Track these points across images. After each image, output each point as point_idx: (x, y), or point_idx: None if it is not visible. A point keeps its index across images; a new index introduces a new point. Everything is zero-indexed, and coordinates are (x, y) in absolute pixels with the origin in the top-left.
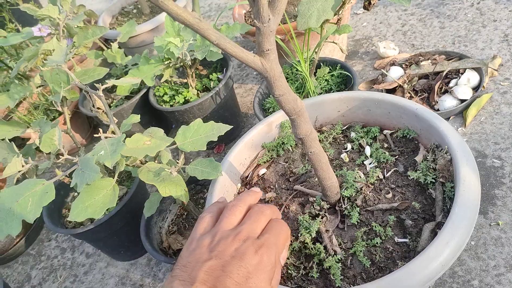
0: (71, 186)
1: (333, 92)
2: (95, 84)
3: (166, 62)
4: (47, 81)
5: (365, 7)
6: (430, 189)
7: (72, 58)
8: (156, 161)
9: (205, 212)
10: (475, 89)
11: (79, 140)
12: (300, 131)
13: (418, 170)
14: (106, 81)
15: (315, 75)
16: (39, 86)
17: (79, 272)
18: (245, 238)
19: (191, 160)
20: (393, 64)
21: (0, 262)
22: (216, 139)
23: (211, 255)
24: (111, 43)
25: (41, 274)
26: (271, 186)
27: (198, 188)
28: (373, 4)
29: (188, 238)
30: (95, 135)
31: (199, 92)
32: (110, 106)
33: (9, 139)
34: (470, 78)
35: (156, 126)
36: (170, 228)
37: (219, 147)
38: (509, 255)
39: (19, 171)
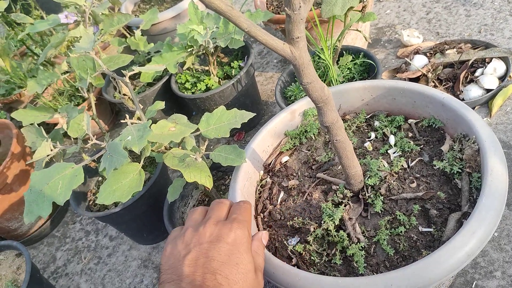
0: (99, 170)
1: (356, 80)
2: (121, 71)
3: (189, 50)
4: (74, 67)
5: None
6: (456, 179)
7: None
8: (180, 147)
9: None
10: (502, 78)
11: (102, 126)
12: (327, 119)
13: (444, 159)
14: (132, 67)
15: (337, 63)
16: (65, 73)
17: (103, 254)
18: (215, 223)
19: (211, 147)
20: (417, 52)
21: (26, 243)
22: (239, 126)
23: (188, 248)
24: (134, 31)
25: (66, 255)
26: (294, 174)
27: (220, 174)
28: None
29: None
30: (121, 121)
31: (220, 79)
32: None
33: (37, 124)
34: (496, 67)
35: (176, 110)
36: None
37: (239, 135)
38: None
39: (47, 155)
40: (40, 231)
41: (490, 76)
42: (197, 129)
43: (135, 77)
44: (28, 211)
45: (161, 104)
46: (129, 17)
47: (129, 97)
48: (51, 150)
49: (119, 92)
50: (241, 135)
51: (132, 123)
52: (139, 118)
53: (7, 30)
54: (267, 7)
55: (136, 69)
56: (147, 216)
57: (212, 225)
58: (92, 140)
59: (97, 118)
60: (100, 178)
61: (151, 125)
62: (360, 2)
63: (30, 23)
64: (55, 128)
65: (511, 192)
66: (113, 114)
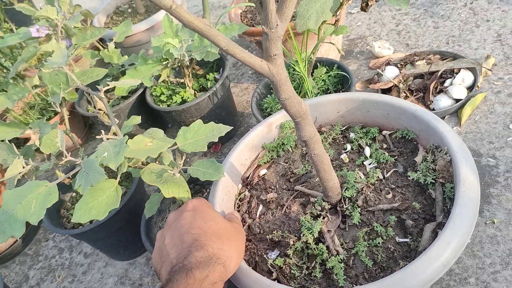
0: (74, 188)
1: (330, 92)
2: (96, 86)
3: (164, 63)
4: (46, 82)
5: (362, 9)
6: (430, 190)
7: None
8: (157, 162)
9: None
10: (470, 88)
11: (76, 140)
12: (304, 133)
13: (418, 170)
14: (107, 82)
15: (312, 75)
16: (36, 87)
17: (78, 272)
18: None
19: (188, 160)
20: (388, 63)
21: None
22: (216, 140)
23: (163, 235)
24: (107, 43)
25: (39, 274)
26: (272, 187)
27: (198, 188)
28: (371, 5)
29: None
30: (97, 136)
31: (196, 92)
32: None
33: (8, 140)
34: (464, 78)
35: (153, 126)
36: None
37: (216, 147)
38: (505, 252)
39: (19, 173)
40: (11, 250)
41: (458, 86)
42: (174, 144)
43: (109, 89)
44: (0, 232)
45: (137, 119)
46: (102, 31)
47: (104, 112)
48: (23, 167)
49: (94, 107)
50: (218, 147)
51: (108, 139)
52: (115, 134)
53: None
54: (241, 19)
55: (111, 84)
56: (124, 232)
57: (171, 215)
58: (66, 157)
59: (70, 132)
60: (74, 194)
61: (127, 140)
62: (333, 16)
63: (0, 36)
64: (27, 144)
65: (481, 199)
66: (86, 127)
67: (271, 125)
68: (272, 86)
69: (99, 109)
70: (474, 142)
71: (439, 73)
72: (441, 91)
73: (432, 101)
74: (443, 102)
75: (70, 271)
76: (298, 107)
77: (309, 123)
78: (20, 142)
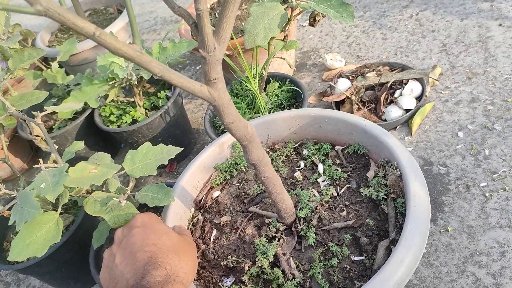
0: (9, 224)
1: (284, 106)
2: (32, 112)
3: (110, 82)
4: None
5: (310, 24)
6: (382, 205)
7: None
8: (103, 190)
9: None
10: (418, 98)
11: (20, 165)
12: (252, 157)
13: (370, 186)
14: (45, 107)
15: (265, 91)
16: None
17: None
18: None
19: (142, 181)
20: (340, 76)
21: None
22: (166, 163)
23: (113, 254)
24: (51, 63)
25: None
26: (226, 209)
27: (151, 211)
28: (318, 20)
29: None
30: (35, 166)
31: (147, 111)
32: (52, 129)
33: None
34: (413, 88)
35: (104, 147)
36: None
37: (171, 166)
38: (460, 260)
39: None
40: None
41: (407, 96)
42: (122, 169)
43: (54, 111)
44: None
45: (80, 145)
46: (41, 52)
47: (42, 138)
48: None
49: (30, 133)
50: (173, 166)
51: (46, 167)
52: (55, 161)
53: None
54: (192, 35)
55: (48, 109)
56: (73, 263)
57: (119, 231)
58: (1, 190)
59: (9, 161)
60: None
61: (68, 169)
62: (282, 32)
63: None
64: None
65: (434, 207)
66: (32, 150)
67: (222, 145)
68: (215, 111)
69: (36, 135)
70: (425, 151)
71: (389, 84)
72: (391, 102)
73: (384, 112)
74: (394, 112)
75: None
76: (244, 130)
77: (257, 146)
78: None
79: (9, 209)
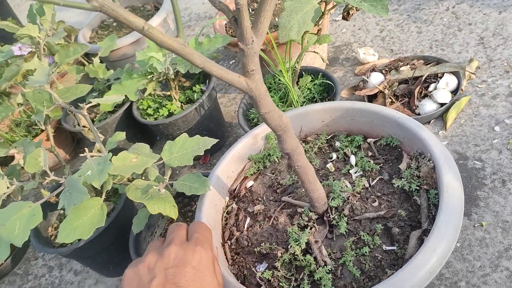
0: (58, 208)
1: (316, 100)
2: (78, 104)
3: (149, 76)
4: (30, 100)
5: (344, 18)
6: (415, 196)
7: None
8: (143, 178)
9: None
10: (454, 92)
11: (63, 156)
12: (287, 146)
13: (403, 177)
14: (90, 100)
15: (297, 84)
16: (21, 105)
17: None
18: (179, 244)
19: (177, 172)
20: (373, 70)
21: None
22: (202, 153)
23: (153, 273)
24: (92, 58)
25: None
26: (259, 198)
27: (186, 201)
28: (352, 14)
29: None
30: (81, 155)
31: (182, 104)
32: (93, 121)
33: None
34: (448, 82)
35: (141, 139)
36: None
37: (205, 158)
38: (494, 255)
39: (4, 193)
40: (0, 270)
41: (443, 90)
42: (160, 159)
43: (95, 104)
44: None
45: (121, 135)
46: (85, 47)
47: (88, 129)
48: (8, 187)
49: (78, 125)
50: (207, 159)
51: (92, 156)
52: (99, 151)
53: None
54: (226, 30)
55: (93, 101)
56: (113, 248)
57: (176, 246)
58: (50, 176)
59: (55, 150)
60: (62, 211)
61: (111, 157)
62: (315, 26)
63: None
64: (11, 164)
65: (469, 202)
66: (74, 142)
67: (256, 136)
68: (252, 101)
69: (83, 126)
70: (460, 146)
71: (423, 78)
72: (425, 95)
73: (418, 106)
74: (428, 106)
75: None
76: (279, 121)
77: (291, 136)
78: (8, 161)
79: (57, 195)
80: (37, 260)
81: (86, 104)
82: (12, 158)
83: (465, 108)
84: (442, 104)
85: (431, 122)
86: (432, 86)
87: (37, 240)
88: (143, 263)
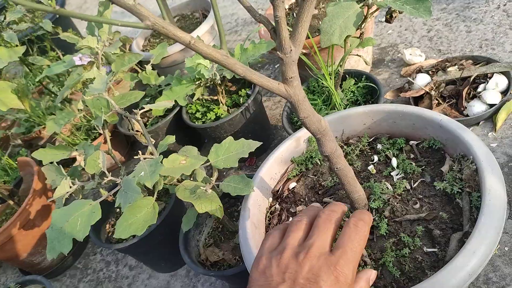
0: (115, 206)
1: (360, 103)
2: (133, 110)
3: (197, 82)
4: (89, 106)
5: (387, 20)
6: (457, 199)
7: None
8: (191, 179)
9: (273, 229)
10: (504, 93)
11: (119, 158)
12: (326, 149)
13: (445, 180)
14: (143, 105)
15: (341, 87)
16: (81, 111)
17: (123, 284)
18: (318, 255)
19: (224, 173)
20: (419, 71)
21: (49, 276)
22: (247, 156)
23: (283, 277)
24: (145, 65)
25: (88, 286)
26: (301, 199)
27: (232, 201)
28: (395, 17)
29: (256, 255)
30: (135, 157)
31: (229, 108)
32: (146, 125)
33: (56, 162)
34: (498, 82)
35: (190, 141)
36: (206, 241)
37: (250, 160)
38: None
39: (67, 192)
40: (62, 264)
41: (492, 91)
42: (207, 161)
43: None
44: (50, 248)
45: (171, 139)
46: (139, 56)
47: (141, 133)
48: (70, 187)
49: (132, 129)
50: (253, 160)
51: (144, 158)
52: (151, 153)
53: (26, 72)
54: (270, 36)
55: (146, 106)
56: (164, 245)
57: (314, 257)
58: (108, 177)
59: (112, 153)
60: (118, 210)
61: (162, 159)
62: (357, 29)
63: (47, 65)
64: (73, 165)
65: None
66: (128, 145)
67: (299, 139)
68: (291, 106)
69: (137, 131)
70: (511, 148)
71: (472, 78)
72: (474, 96)
73: (466, 107)
74: (476, 107)
75: (117, 283)
76: (318, 125)
77: (330, 139)
78: (69, 162)
79: (113, 194)
80: (96, 255)
81: (139, 110)
82: (73, 159)
83: None
84: (491, 105)
85: (480, 123)
86: (481, 86)
87: (96, 236)
88: (277, 260)
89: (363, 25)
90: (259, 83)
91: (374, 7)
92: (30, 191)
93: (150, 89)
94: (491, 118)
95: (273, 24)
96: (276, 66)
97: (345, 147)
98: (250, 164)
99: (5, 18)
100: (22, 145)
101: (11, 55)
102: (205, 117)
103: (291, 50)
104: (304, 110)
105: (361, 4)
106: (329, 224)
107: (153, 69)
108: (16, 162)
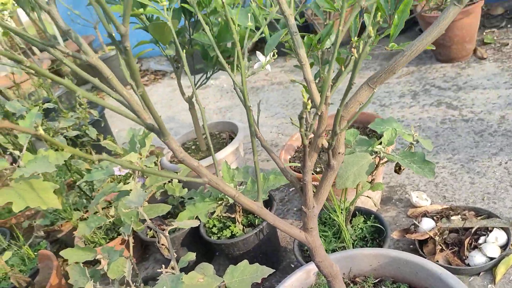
0: None
1: (367, 239)
2: (159, 222)
3: (219, 202)
4: (121, 215)
5: (395, 171)
6: None
7: None
8: None
9: None
10: (503, 247)
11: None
12: None
13: None
14: (172, 223)
15: (351, 223)
16: (112, 216)
17: None
18: None
19: None
20: (425, 215)
21: None
22: (259, 281)
23: None
24: None
25: None
26: None
27: None
28: (403, 169)
29: None
30: (158, 270)
31: (244, 226)
32: None
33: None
34: (498, 237)
35: (202, 252)
36: None
37: None
38: None
39: None
40: None
41: (492, 244)
42: (223, 281)
43: (167, 216)
44: None
45: (191, 256)
46: (172, 175)
47: (166, 247)
48: None
49: (158, 242)
50: (261, 281)
51: (166, 272)
52: (172, 267)
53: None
54: (291, 167)
55: (175, 224)
56: None
57: None
58: (131, 286)
59: (133, 259)
60: None
61: (183, 277)
62: (369, 175)
63: (86, 168)
64: (94, 267)
65: None
66: (142, 247)
67: (309, 271)
68: (308, 251)
69: (162, 244)
70: None
71: (474, 229)
72: (475, 247)
73: (467, 257)
74: (477, 258)
75: None
76: (330, 269)
77: (339, 283)
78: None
79: None
80: None
81: (168, 227)
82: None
83: None
84: (491, 258)
85: (481, 274)
86: (482, 238)
87: None
88: None
89: (374, 172)
90: (284, 230)
91: (385, 159)
92: (47, 286)
93: (173, 199)
94: (491, 270)
95: (301, 184)
96: (291, 190)
97: (351, 285)
98: (258, 284)
99: (59, 123)
100: (44, 236)
101: (59, 158)
102: (221, 233)
103: (314, 206)
104: (319, 255)
105: (374, 156)
106: None
107: (178, 181)
108: (35, 253)
